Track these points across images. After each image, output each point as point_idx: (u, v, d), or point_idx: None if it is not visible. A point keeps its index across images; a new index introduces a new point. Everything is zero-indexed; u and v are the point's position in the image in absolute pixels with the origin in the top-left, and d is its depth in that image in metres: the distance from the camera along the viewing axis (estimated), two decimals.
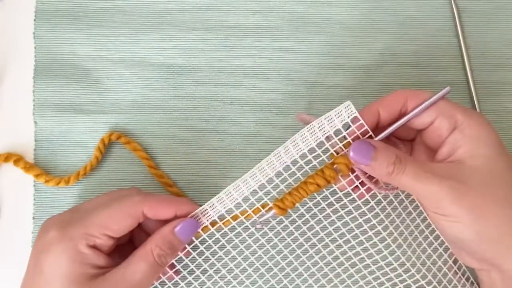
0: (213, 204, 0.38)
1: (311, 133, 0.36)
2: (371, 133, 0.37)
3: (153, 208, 0.37)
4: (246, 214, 0.39)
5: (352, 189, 0.38)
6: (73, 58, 0.47)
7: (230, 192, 0.37)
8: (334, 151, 0.37)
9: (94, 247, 0.35)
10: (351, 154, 0.35)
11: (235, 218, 0.39)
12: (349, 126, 0.37)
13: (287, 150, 0.36)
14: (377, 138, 0.37)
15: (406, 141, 0.41)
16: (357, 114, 0.35)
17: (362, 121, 0.36)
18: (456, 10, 0.50)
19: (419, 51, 0.49)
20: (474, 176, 0.34)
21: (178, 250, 0.38)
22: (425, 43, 0.49)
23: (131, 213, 0.36)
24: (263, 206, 0.39)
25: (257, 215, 0.39)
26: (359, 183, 0.38)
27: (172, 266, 0.40)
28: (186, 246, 0.40)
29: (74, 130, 0.45)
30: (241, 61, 0.48)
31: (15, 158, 0.44)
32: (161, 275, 0.40)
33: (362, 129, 0.36)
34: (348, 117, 0.35)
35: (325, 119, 0.35)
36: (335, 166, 0.37)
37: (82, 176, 0.44)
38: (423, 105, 0.36)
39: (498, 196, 0.34)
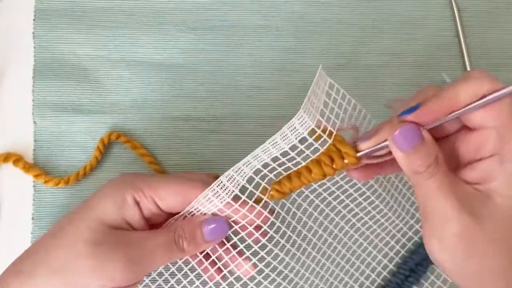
0: (208, 196, 0.36)
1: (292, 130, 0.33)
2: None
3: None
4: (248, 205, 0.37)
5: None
6: (72, 58, 0.46)
7: (224, 184, 0.36)
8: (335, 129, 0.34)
9: (138, 204, 0.37)
10: (397, 133, 0.31)
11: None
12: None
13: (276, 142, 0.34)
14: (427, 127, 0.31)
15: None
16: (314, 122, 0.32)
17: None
18: (456, 10, 0.50)
19: (419, 51, 0.49)
20: (495, 217, 0.30)
21: (198, 244, 0.37)
22: (425, 43, 0.49)
23: (183, 192, 0.37)
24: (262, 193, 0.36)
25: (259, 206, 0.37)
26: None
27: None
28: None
29: (73, 130, 0.45)
30: (241, 61, 0.48)
31: (14, 158, 0.44)
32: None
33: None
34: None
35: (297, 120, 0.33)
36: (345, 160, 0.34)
37: (82, 176, 0.44)
38: (487, 98, 0.29)
39: (506, 247, 0.31)
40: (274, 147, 0.34)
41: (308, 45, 0.49)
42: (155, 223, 0.39)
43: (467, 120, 0.32)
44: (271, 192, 0.36)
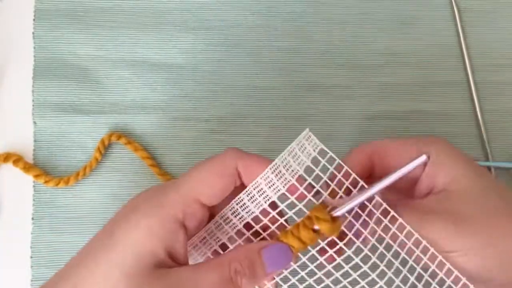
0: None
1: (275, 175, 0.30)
2: (360, 181, 0.31)
3: (248, 166, 0.31)
4: None
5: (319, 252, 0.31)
6: (72, 58, 0.46)
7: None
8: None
9: (182, 222, 0.30)
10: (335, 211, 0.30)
11: None
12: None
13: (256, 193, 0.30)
14: (338, 213, 0.30)
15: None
16: (322, 145, 0.30)
17: (346, 167, 0.31)
18: (456, 10, 0.50)
19: (419, 51, 0.49)
20: (464, 200, 0.32)
21: (258, 278, 0.30)
22: (426, 43, 0.49)
23: (226, 173, 0.31)
24: None
25: None
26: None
27: None
28: None
29: (73, 130, 0.45)
30: (241, 61, 0.48)
31: (14, 158, 0.44)
32: None
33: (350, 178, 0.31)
34: (314, 150, 0.30)
35: (289, 155, 0.30)
36: (315, 226, 0.29)
37: (82, 176, 0.44)
38: (394, 175, 0.32)
39: (496, 211, 0.32)
40: (244, 209, 0.31)
41: (308, 45, 0.48)
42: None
43: (385, 173, 0.33)
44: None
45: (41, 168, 0.44)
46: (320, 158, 0.30)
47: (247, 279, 0.29)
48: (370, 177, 0.35)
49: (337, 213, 0.29)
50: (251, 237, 0.32)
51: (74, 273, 0.29)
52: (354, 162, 0.34)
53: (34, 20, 0.47)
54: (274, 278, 0.32)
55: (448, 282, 0.32)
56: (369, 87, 0.48)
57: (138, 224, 0.29)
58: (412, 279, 0.31)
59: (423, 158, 0.32)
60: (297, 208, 0.30)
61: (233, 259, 0.30)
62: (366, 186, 0.31)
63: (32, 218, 0.44)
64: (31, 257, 0.43)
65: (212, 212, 0.33)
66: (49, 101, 0.45)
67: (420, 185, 0.34)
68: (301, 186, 0.30)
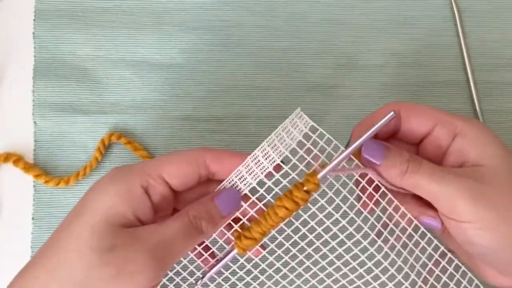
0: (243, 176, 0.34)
1: (272, 149, 0.33)
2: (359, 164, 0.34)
3: (217, 157, 0.34)
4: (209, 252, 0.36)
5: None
6: (72, 58, 0.46)
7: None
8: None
9: (146, 192, 0.33)
10: (363, 153, 0.33)
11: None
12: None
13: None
14: (321, 174, 0.33)
15: None
16: (312, 122, 0.32)
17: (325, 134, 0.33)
18: (456, 10, 0.50)
19: (419, 51, 0.49)
20: (495, 175, 0.32)
21: (215, 222, 0.33)
22: (426, 43, 0.49)
23: (192, 159, 0.34)
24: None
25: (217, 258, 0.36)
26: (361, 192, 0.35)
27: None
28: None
29: (73, 130, 0.45)
30: (241, 61, 0.48)
31: (14, 158, 0.44)
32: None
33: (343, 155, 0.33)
34: (306, 126, 0.32)
35: (282, 131, 0.33)
36: (305, 188, 0.33)
37: (82, 176, 0.44)
38: (369, 132, 0.33)
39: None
40: (242, 182, 0.34)
41: (308, 45, 0.48)
42: (165, 214, 0.35)
43: (411, 139, 0.36)
44: (242, 241, 0.34)
45: (41, 168, 0.44)
46: (311, 134, 0.32)
47: (206, 222, 0.33)
48: (393, 137, 0.36)
49: (319, 175, 0.33)
50: (248, 208, 0.34)
51: (54, 240, 0.32)
52: (376, 118, 0.34)
53: (34, 20, 0.47)
54: (233, 226, 0.35)
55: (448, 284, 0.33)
56: (369, 87, 0.48)
57: (106, 191, 0.32)
58: (391, 243, 0.34)
59: (391, 114, 0.33)
60: (290, 177, 0.33)
61: (190, 208, 0.33)
62: (344, 149, 0.33)
63: (32, 218, 0.44)
64: (31, 257, 0.43)
65: (176, 207, 0.35)
66: (49, 101, 0.46)
67: (449, 158, 0.34)
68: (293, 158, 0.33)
